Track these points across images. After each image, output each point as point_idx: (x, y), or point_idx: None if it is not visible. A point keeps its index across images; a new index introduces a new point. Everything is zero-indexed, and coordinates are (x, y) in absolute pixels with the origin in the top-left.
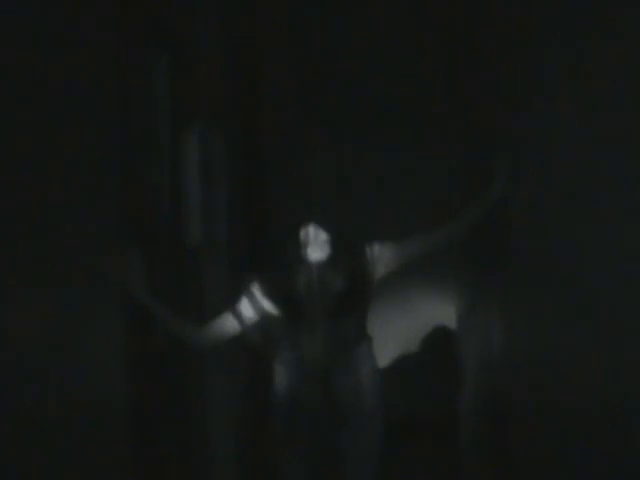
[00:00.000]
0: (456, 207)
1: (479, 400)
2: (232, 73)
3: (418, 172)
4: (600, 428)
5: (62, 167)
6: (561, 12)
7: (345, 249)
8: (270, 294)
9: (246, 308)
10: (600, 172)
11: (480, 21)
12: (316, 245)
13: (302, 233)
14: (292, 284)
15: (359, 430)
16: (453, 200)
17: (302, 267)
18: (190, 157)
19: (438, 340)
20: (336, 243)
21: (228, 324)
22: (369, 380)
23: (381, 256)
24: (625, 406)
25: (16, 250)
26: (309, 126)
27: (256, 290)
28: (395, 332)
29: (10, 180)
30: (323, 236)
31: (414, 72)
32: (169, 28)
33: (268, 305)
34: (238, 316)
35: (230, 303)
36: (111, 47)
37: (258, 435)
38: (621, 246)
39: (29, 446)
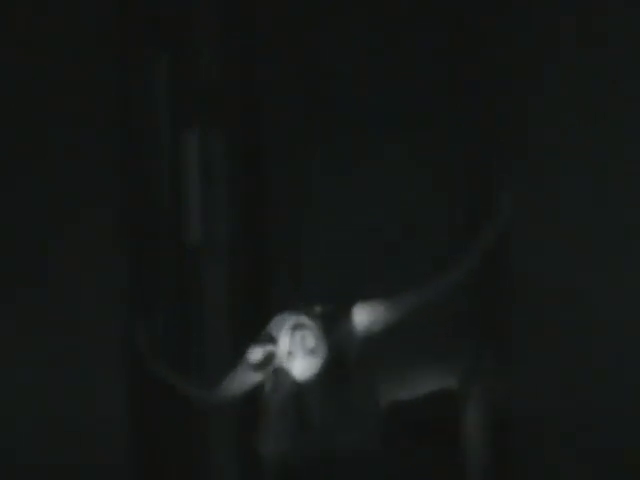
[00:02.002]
0: (457, 214)
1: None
2: (232, 73)
3: (417, 172)
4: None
5: (62, 167)
6: (561, 12)
7: (336, 351)
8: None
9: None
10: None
11: (480, 22)
12: (302, 357)
13: (285, 338)
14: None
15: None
16: (453, 205)
17: (284, 386)
18: (190, 157)
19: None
20: (327, 346)
21: (235, 384)
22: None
23: (371, 320)
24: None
25: (14, 253)
26: (309, 126)
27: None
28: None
29: (10, 180)
30: (311, 342)
31: (414, 73)
32: (169, 28)
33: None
34: (241, 380)
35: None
36: (111, 47)
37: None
38: (621, 309)
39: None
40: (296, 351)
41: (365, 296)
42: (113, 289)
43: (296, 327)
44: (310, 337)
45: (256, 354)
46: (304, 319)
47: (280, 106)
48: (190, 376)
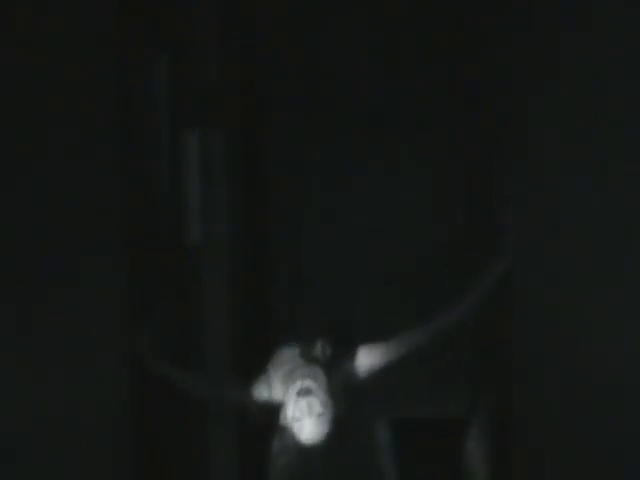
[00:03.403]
0: (456, 214)
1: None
2: (232, 73)
3: (417, 172)
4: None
5: (62, 167)
6: (561, 12)
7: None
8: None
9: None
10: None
11: (480, 22)
12: (309, 423)
13: (292, 404)
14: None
15: None
16: (453, 205)
17: (290, 448)
18: (190, 157)
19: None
20: (333, 407)
21: (244, 395)
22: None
23: (373, 361)
24: None
25: (14, 253)
26: (309, 126)
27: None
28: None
29: (10, 180)
30: (317, 408)
31: (414, 73)
32: (169, 28)
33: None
34: (252, 395)
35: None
36: (111, 47)
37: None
38: (621, 309)
39: None
40: (303, 417)
41: (365, 300)
42: (113, 289)
43: (302, 393)
44: (316, 404)
45: (258, 397)
46: (310, 384)
47: (280, 106)
48: (190, 375)
